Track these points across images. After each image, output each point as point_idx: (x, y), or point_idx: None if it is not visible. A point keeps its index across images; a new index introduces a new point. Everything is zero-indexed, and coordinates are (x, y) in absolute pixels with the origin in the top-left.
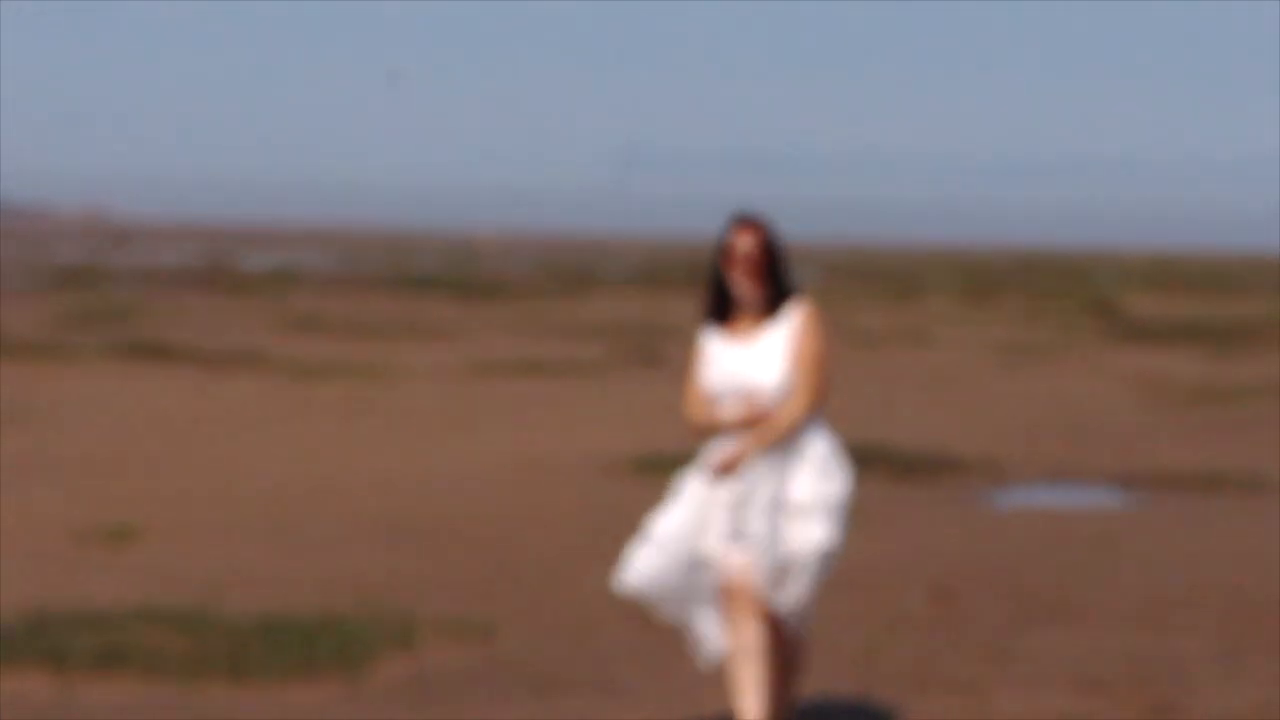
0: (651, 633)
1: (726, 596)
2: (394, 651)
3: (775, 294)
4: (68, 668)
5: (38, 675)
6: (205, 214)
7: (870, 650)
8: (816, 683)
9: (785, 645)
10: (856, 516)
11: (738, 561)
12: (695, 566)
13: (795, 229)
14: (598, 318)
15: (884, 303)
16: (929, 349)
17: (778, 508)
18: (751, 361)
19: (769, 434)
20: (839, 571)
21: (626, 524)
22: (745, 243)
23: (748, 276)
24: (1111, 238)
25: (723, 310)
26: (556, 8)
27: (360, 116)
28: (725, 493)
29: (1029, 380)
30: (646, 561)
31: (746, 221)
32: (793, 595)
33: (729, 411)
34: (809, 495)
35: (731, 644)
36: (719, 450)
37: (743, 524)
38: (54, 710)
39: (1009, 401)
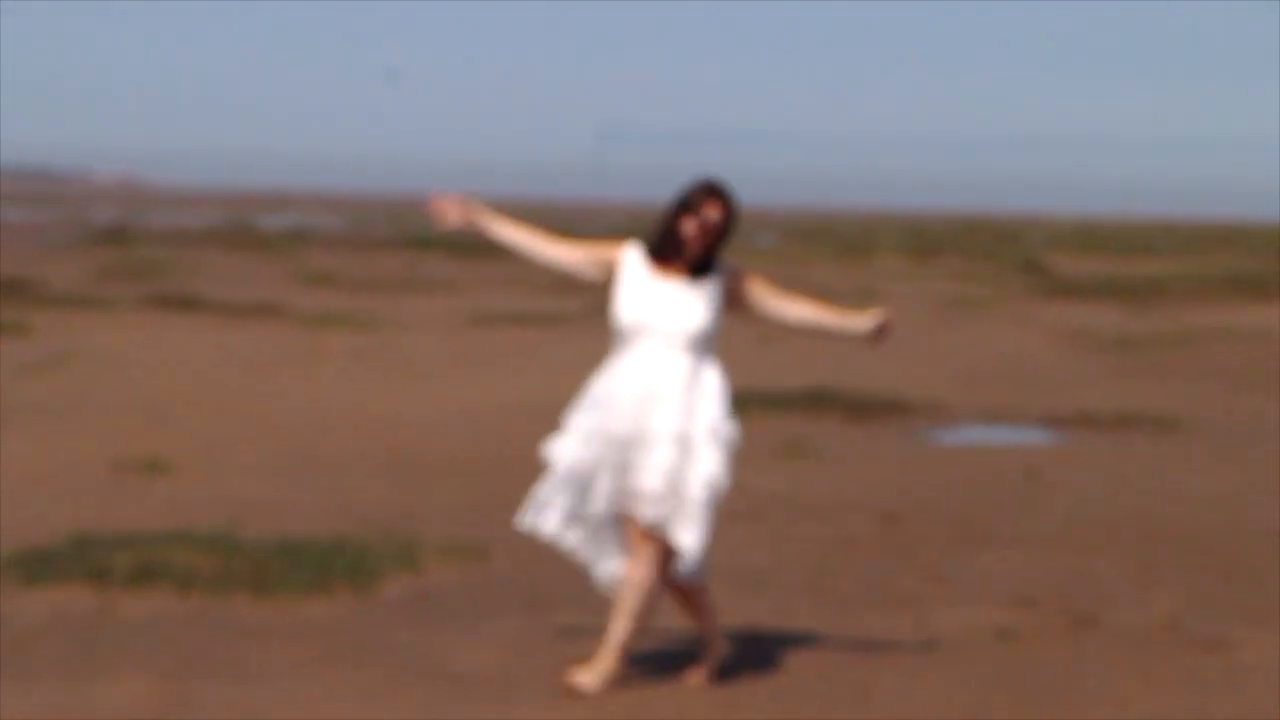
0: None
1: (631, 532)
2: (399, 571)
3: (709, 259)
4: (107, 583)
5: (80, 589)
6: (227, 181)
7: (823, 571)
8: (775, 599)
9: (685, 587)
10: (815, 453)
11: (643, 492)
12: (595, 501)
13: (755, 196)
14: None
15: (836, 262)
16: (877, 303)
17: (681, 440)
18: (678, 303)
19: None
20: (798, 497)
21: None
22: (713, 214)
23: (701, 239)
24: (1039, 205)
25: (664, 254)
26: None
27: (366, 94)
28: (627, 424)
29: (967, 331)
30: (549, 502)
31: (718, 193)
32: (692, 533)
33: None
34: (705, 427)
35: (628, 575)
36: None
37: (644, 457)
38: (97, 618)
39: (949, 350)
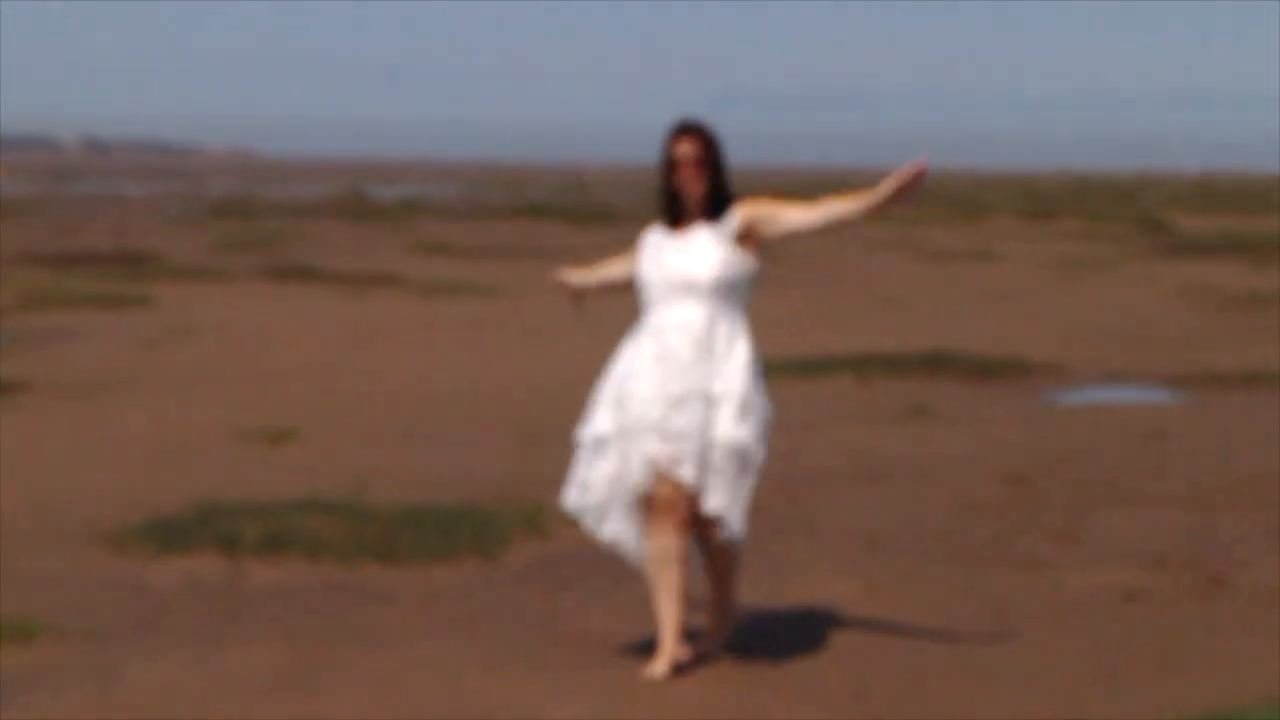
0: (752, 517)
1: (649, 505)
2: (525, 537)
3: (716, 196)
4: (237, 551)
5: (210, 558)
6: (339, 151)
7: (949, 532)
8: (901, 561)
9: (716, 553)
10: (937, 414)
11: (665, 459)
12: (622, 475)
13: (866, 157)
14: None
15: (950, 224)
16: (994, 264)
17: (707, 402)
18: (687, 253)
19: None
20: (921, 459)
21: None
22: (685, 149)
23: (689, 179)
24: (1155, 162)
25: (674, 215)
26: None
27: (480, 62)
28: (652, 386)
29: (1086, 291)
30: (587, 484)
31: (686, 128)
32: (718, 497)
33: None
34: (733, 389)
35: (650, 552)
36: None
37: (670, 421)
38: (228, 586)
39: (1069, 311)
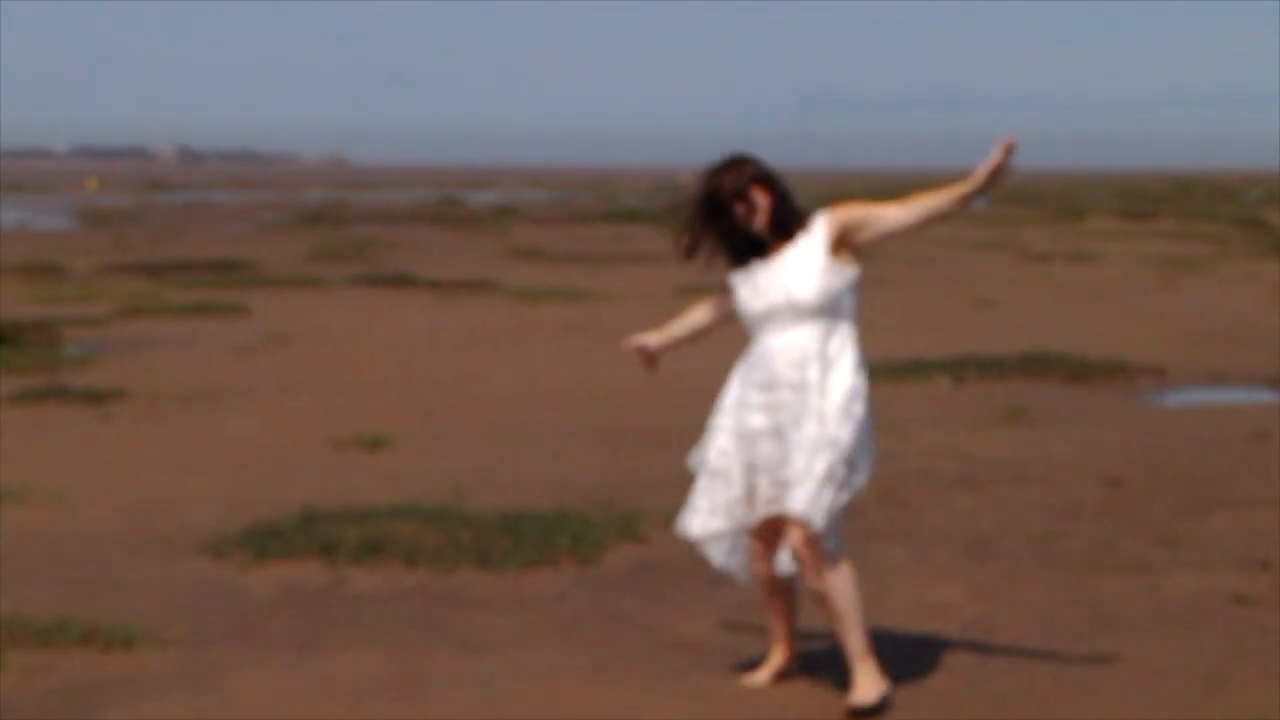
0: (850, 521)
1: (758, 533)
2: (621, 542)
3: (782, 213)
4: (336, 557)
5: (310, 563)
6: (430, 159)
7: (1049, 535)
8: (1002, 565)
9: (816, 582)
10: (1036, 417)
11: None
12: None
13: (959, 158)
14: None
15: (1048, 225)
16: (1093, 265)
17: (818, 419)
18: (782, 275)
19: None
20: (1020, 462)
21: None
22: (730, 181)
23: (745, 215)
24: (1254, 161)
25: (739, 253)
26: None
27: (570, 69)
28: (764, 418)
29: (1187, 291)
30: (696, 513)
31: (728, 166)
32: (806, 494)
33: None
34: (841, 401)
35: (760, 576)
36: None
37: (786, 449)
38: (327, 592)
39: (1169, 311)
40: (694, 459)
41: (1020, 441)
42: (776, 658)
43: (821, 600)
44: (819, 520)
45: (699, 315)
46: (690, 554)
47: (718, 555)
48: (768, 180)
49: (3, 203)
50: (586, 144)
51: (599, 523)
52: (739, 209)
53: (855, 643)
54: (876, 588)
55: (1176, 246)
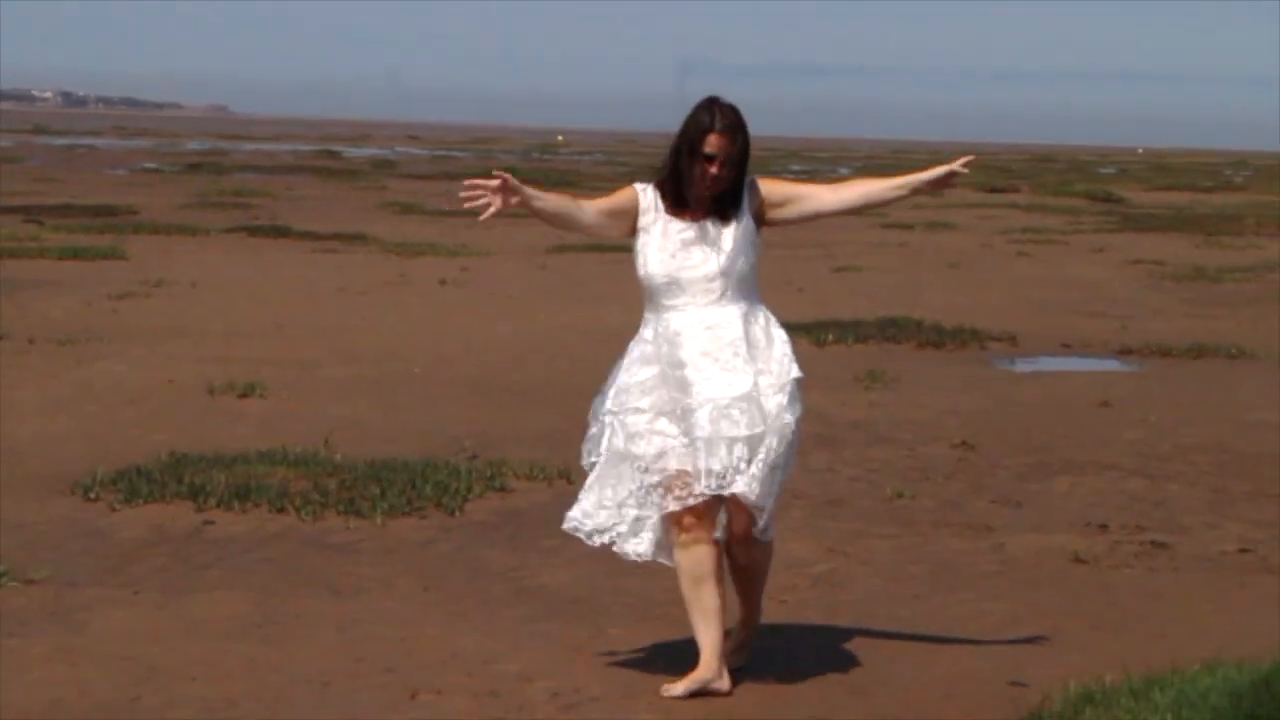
0: None
1: (679, 517)
2: (486, 492)
3: (734, 192)
4: (205, 501)
5: (179, 507)
6: (313, 113)
7: (901, 495)
8: (853, 522)
9: (747, 568)
10: (891, 380)
11: (715, 466)
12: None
13: (823, 128)
14: None
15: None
16: (951, 234)
17: (752, 400)
18: (709, 247)
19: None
20: (875, 423)
21: None
22: (723, 146)
23: (716, 180)
24: (1110, 139)
25: (679, 200)
26: None
27: (456, 29)
28: (696, 395)
29: (1039, 263)
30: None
31: (727, 124)
32: (758, 485)
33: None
34: (784, 380)
35: (685, 565)
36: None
37: (722, 429)
38: (193, 536)
39: (1022, 281)
40: (590, 451)
41: (876, 404)
42: (706, 670)
43: (749, 573)
44: (769, 505)
45: (575, 209)
46: (554, 505)
47: (632, 548)
48: (746, 155)
49: None
50: (462, 103)
51: (465, 473)
52: (711, 169)
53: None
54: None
55: (1032, 218)
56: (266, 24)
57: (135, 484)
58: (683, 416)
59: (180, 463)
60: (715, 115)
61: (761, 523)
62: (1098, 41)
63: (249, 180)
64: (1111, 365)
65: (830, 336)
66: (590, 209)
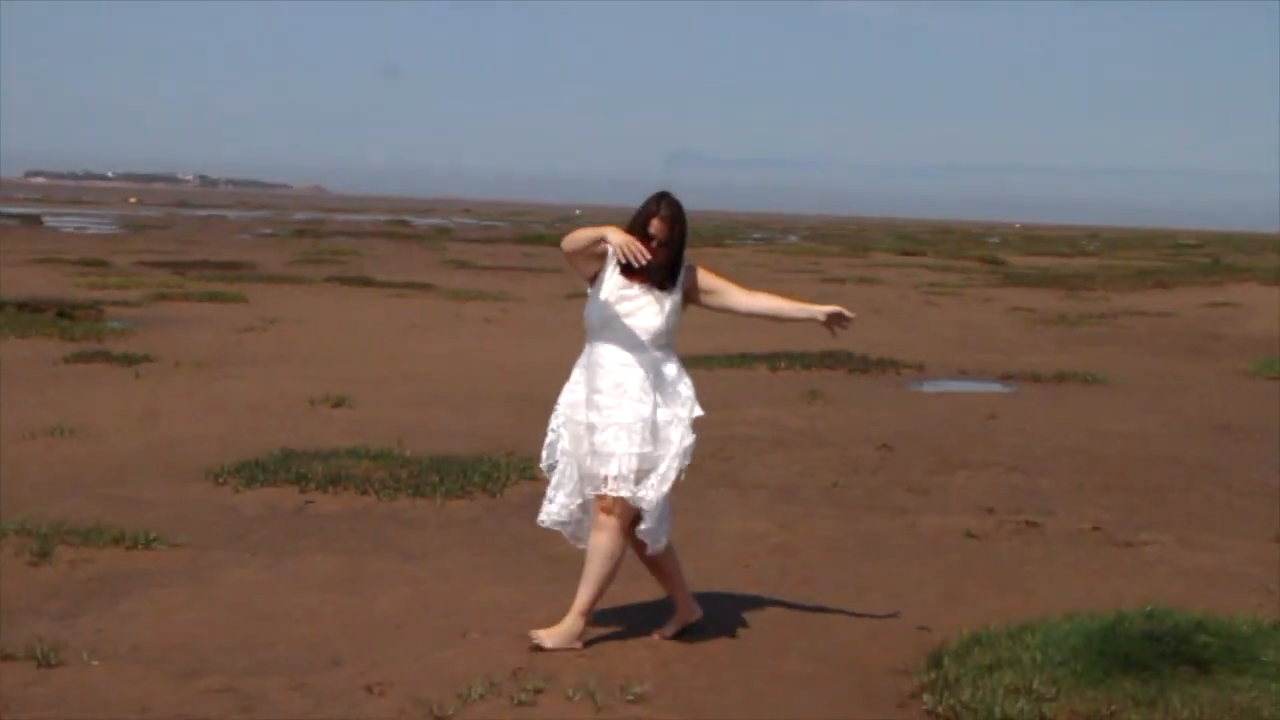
0: (689, 472)
1: (596, 506)
2: (520, 480)
3: (672, 269)
4: (306, 486)
5: (287, 490)
6: (388, 190)
7: (836, 485)
8: (801, 506)
9: (653, 556)
10: (829, 397)
11: (610, 474)
12: (578, 476)
13: (786, 206)
14: None
15: (844, 256)
16: (875, 287)
17: (655, 428)
18: (643, 309)
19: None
20: (817, 430)
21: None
22: (660, 229)
23: (657, 256)
24: (996, 215)
25: (628, 269)
26: (623, 55)
27: (494, 127)
28: (595, 416)
29: (943, 309)
30: (560, 499)
31: (668, 213)
32: (653, 493)
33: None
34: (683, 416)
35: (602, 548)
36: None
37: (610, 442)
38: (298, 513)
39: (929, 323)
40: (547, 455)
41: (817, 415)
42: (569, 625)
43: (654, 568)
44: (656, 525)
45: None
46: None
47: (573, 533)
48: (682, 238)
49: (67, 213)
50: (504, 183)
51: (503, 465)
52: (647, 244)
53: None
54: (708, 520)
55: (936, 275)
56: (353, 123)
57: (254, 472)
58: (594, 430)
59: (288, 457)
60: (661, 205)
61: (646, 524)
62: (986, 141)
63: (340, 242)
64: (996, 387)
65: (782, 364)
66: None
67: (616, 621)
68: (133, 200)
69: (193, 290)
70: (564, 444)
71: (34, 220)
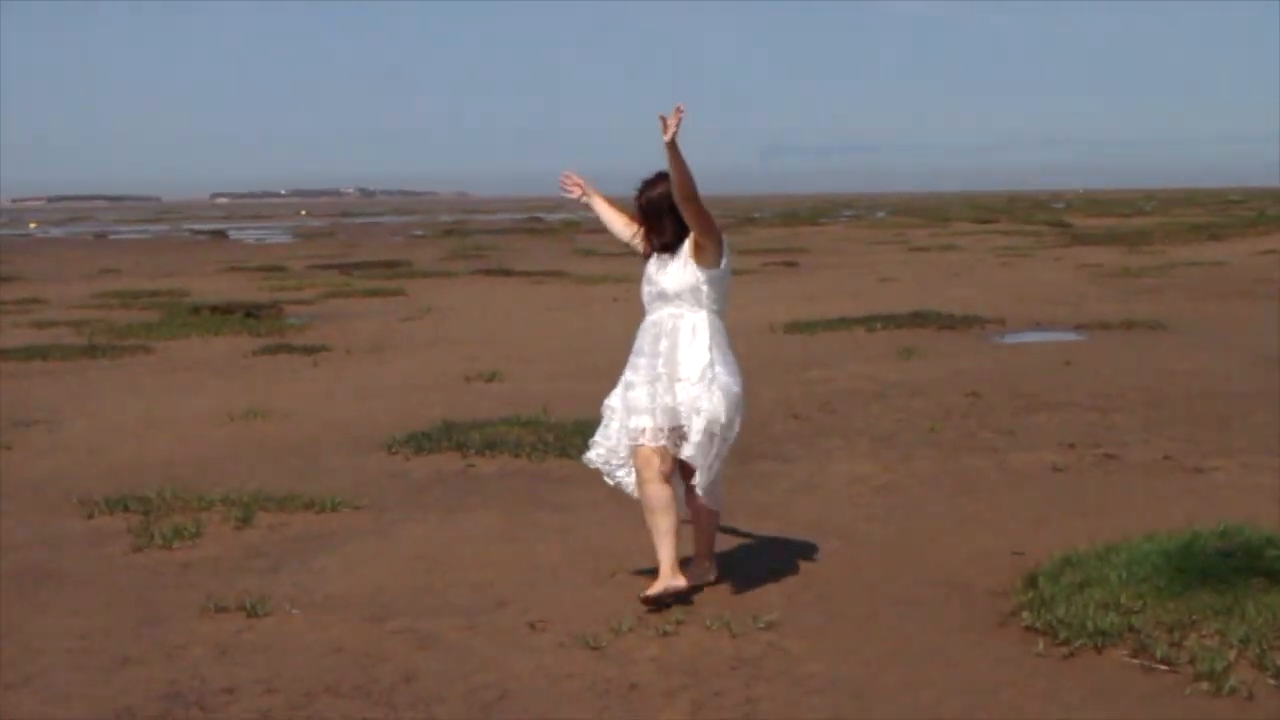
0: (802, 424)
1: (636, 460)
2: None
3: (679, 234)
4: (467, 451)
5: (450, 456)
6: (522, 193)
7: (932, 430)
8: (899, 450)
9: (700, 509)
10: (921, 352)
11: (644, 429)
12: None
13: (874, 186)
14: (757, 242)
15: (926, 227)
16: (956, 253)
17: (672, 381)
18: (664, 271)
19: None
20: (911, 382)
21: (781, 362)
22: (654, 196)
23: (650, 229)
24: (1062, 183)
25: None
26: (718, 49)
27: (615, 125)
28: (641, 374)
29: (1017, 269)
30: (601, 444)
31: (647, 184)
32: (693, 452)
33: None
34: (697, 371)
35: (643, 500)
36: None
37: (651, 398)
38: (461, 475)
39: (1005, 282)
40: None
41: (911, 369)
42: (665, 577)
43: (696, 522)
44: (705, 480)
45: (613, 218)
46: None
47: (615, 477)
48: (662, 202)
49: (248, 227)
50: (623, 180)
51: None
52: (648, 225)
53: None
54: (819, 465)
55: (1010, 240)
56: (492, 133)
57: (420, 442)
58: (661, 385)
59: (449, 427)
60: (646, 182)
61: (700, 480)
62: (1049, 117)
63: (483, 239)
64: (1070, 336)
65: (878, 325)
66: (618, 222)
67: (743, 557)
68: (303, 213)
69: (358, 287)
70: (615, 399)
71: (221, 235)
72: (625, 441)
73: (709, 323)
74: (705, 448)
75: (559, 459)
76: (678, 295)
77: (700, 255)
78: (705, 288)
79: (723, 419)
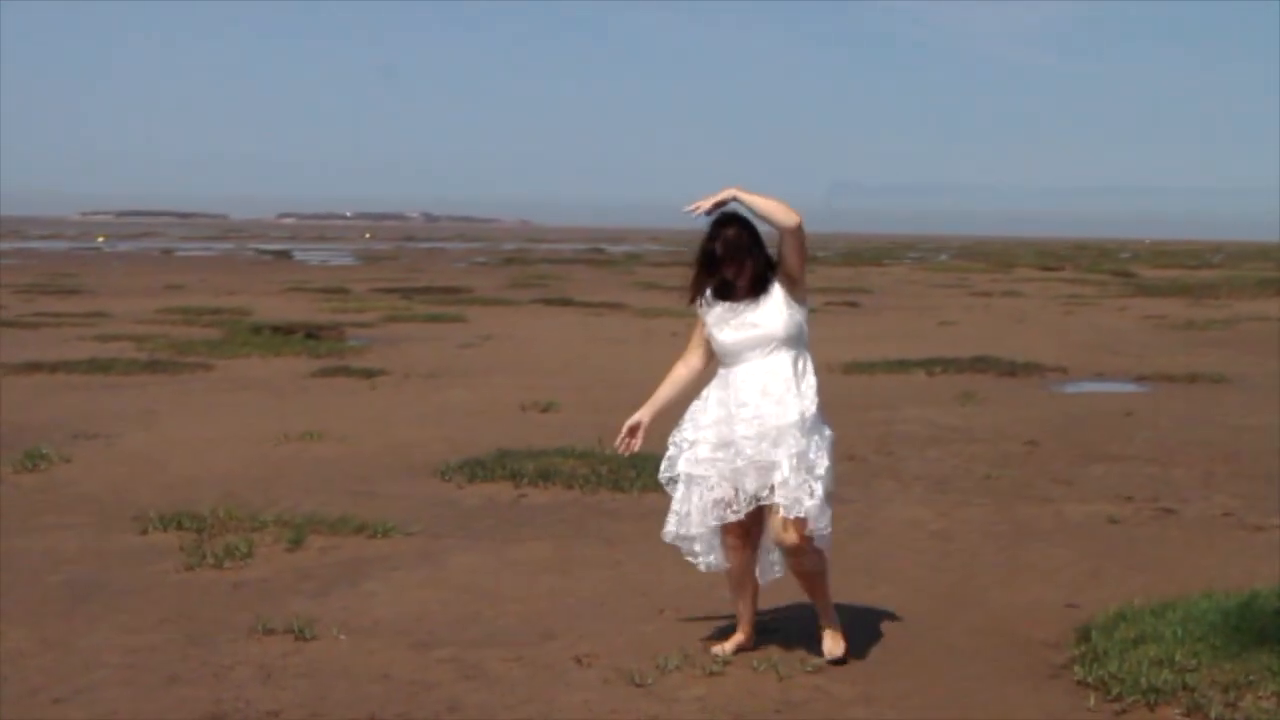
0: (858, 465)
1: (728, 530)
2: None
3: (766, 274)
4: (520, 481)
5: (503, 485)
6: (585, 223)
7: (989, 476)
8: (956, 496)
9: (798, 566)
10: (980, 398)
11: (771, 493)
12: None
13: (938, 228)
14: (819, 281)
15: (990, 272)
16: (1019, 299)
17: (790, 432)
18: (752, 317)
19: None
20: (970, 428)
21: (839, 402)
22: (730, 234)
23: (738, 271)
24: (1126, 233)
25: (722, 294)
26: (789, 98)
27: (680, 160)
28: (750, 427)
29: (1081, 317)
30: (679, 519)
31: (727, 221)
32: (809, 504)
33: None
34: (807, 421)
35: (734, 568)
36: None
37: (769, 454)
38: (515, 504)
39: (1069, 330)
40: (666, 468)
41: (970, 414)
42: (740, 635)
43: (808, 577)
44: (824, 520)
45: (683, 374)
46: None
47: (704, 561)
48: (751, 239)
49: (313, 248)
50: (686, 214)
51: None
52: (730, 268)
53: (826, 609)
54: (873, 508)
55: (1074, 288)
56: (555, 163)
57: (474, 470)
58: (731, 444)
59: (504, 456)
60: (724, 218)
61: (810, 530)
62: (1117, 165)
63: (544, 269)
64: (1131, 388)
65: (938, 369)
66: (694, 360)
67: (793, 599)
68: (367, 235)
69: (419, 312)
70: (683, 466)
71: (285, 255)
72: (718, 514)
73: (812, 363)
74: (820, 492)
75: (611, 491)
76: (787, 337)
77: (795, 290)
78: (805, 326)
79: (829, 470)
